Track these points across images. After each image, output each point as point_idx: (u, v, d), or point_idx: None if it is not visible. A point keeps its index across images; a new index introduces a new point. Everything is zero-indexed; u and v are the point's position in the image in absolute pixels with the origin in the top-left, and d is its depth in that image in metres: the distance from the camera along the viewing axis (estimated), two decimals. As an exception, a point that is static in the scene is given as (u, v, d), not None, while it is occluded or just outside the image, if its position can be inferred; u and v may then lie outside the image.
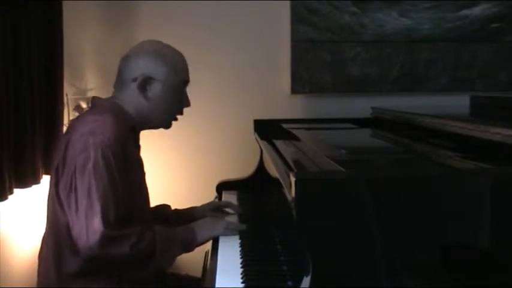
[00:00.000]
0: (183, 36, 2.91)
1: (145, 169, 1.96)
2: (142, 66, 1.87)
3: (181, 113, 1.99)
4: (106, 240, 1.66)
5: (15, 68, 2.07)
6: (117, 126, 1.76)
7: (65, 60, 2.42)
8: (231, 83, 2.96)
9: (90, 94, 2.65)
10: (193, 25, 2.94)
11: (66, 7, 2.43)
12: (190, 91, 2.01)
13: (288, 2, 2.93)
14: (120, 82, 1.91)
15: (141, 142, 1.97)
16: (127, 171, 1.78)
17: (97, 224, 1.65)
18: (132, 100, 1.88)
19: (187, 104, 1.98)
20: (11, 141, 2.03)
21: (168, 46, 1.96)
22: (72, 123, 1.87)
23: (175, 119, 1.99)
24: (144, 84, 1.87)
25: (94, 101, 1.92)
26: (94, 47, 2.84)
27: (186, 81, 1.97)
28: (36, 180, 2.21)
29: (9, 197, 2.03)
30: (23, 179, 2.13)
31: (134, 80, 1.87)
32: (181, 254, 1.85)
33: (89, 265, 1.74)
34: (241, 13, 2.94)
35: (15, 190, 2.09)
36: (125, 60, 1.91)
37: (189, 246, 1.85)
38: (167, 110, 1.93)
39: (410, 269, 1.17)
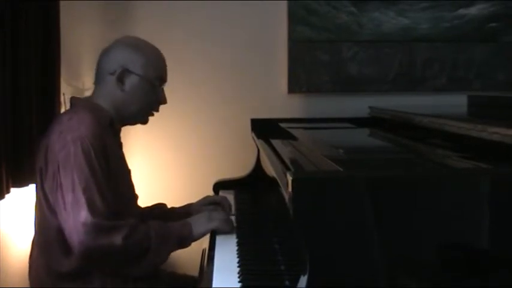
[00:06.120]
0: (180, 35, 2.91)
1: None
2: (121, 59, 1.91)
3: (157, 110, 2.01)
4: (96, 230, 1.67)
5: (13, 67, 2.07)
6: (92, 121, 1.79)
7: (62, 60, 2.41)
8: (228, 82, 2.96)
9: (88, 94, 2.64)
10: (191, 24, 2.93)
11: (63, 7, 2.43)
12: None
13: (285, 1, 2.93)
14: (98, 76, 1.95)
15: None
16: (108, 164, 1.79)
17: (84, 215, 1.66)
18: (109, 93, 1.92)
19: (164, 101, 2.00)
20: (8, 140, 2.03)
21: (148, 43, 2.00)
22: (50, 125, 1.88)
23: (151, 115, 2.00)
24: (122, 76, 1.89)
25: (71, 101, 1.96)
26: (91, 46, 2.82)
27: (162, 78, 1.99)
28: (33, 180, 2.19)
29: (6, 196, 2.02)
30: (20, 178, 2.12)
31: (112, 73, 1.90)
32: (177, 249, 1.84)
33: (83, 264, 1.75)
34: (239, 13, 2.94)
35: (12, 189, 2.09)
36: (104, 54, 1.95)
37: (185, 242, 1.85)
38: (142, 104, 1.95)
39: (408, 269, 1.17)
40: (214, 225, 1.89)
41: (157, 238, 1.77)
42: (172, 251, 1.83)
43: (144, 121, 2.01)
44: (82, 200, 1.68)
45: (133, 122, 2.01)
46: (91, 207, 1.68)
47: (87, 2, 2.78)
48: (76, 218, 1.67)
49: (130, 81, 1.91)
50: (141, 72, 1.91)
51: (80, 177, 1.70)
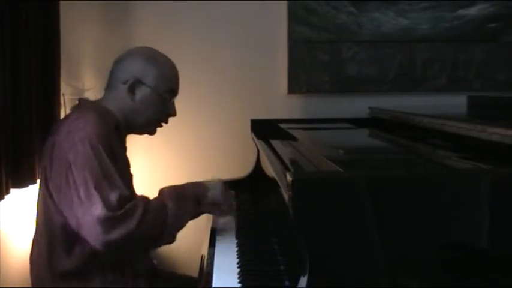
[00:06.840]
0: (180, 36, 2.91)
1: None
2: (134, 69, 1.91)
3: (166, 122, 2.02)
4: (111, 221, 1.65)
5: (13, 67, 2.07)
6: (98, 122, 1.79)
7: (62, 60, 2.41)
8: (228, 82, 2.96)
9: (87, 94, 2.65)
10: (191, 25, 2.94)
11: (63, 7, 2.43)
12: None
13: (285, 1, 2.93)
14: (110, 83, 1.95)
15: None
16: (114, 163, 1.78)
17: (99, 210, 1.65)
18: (119, 101, 1.92)
19: (173, 113, 2.00)
20: (8, 141, 2.03)
21: (163, 55, 2.00)
22: (56, 125, 1.89)
23: (160, 126, 2.01)
24: (134, 86, 1.90)
25: (79, 102, 1.96)
26: (91, 47, 2.83)
27: (173, 91, 1.99)
28: (33, 180, 2.20)
29: (6, 197, 2.02)
30: (20, 178, 2.12)
31: (124, 82, 1.90)
32: (194, 211, 1.86)
33: (85, 263, 1.75)
34: (239, 13, 2.94)
35: (12, 190, 2.09)
36: (118, 62, 1.95)
37: (201, 200, 1.89)
38: (150, 116, 1.96)
39: (408, 269, 1.17)
40: (225, 198, 1.94)
41: (173, 202, 1.79)
42: (190, 211, 1.84)
43: (152, 132, 2.01)
44: (95, 196, 1.67)
45: (140, 132, 2.01)
46: (104, 201, 1.66)
47: (87, 2, 2.78)
48: (92, 216, 1.66)
49: (141, 92, 1.91)
50: (153, 84, 1.91)
51: (91, 175, 1.69)
